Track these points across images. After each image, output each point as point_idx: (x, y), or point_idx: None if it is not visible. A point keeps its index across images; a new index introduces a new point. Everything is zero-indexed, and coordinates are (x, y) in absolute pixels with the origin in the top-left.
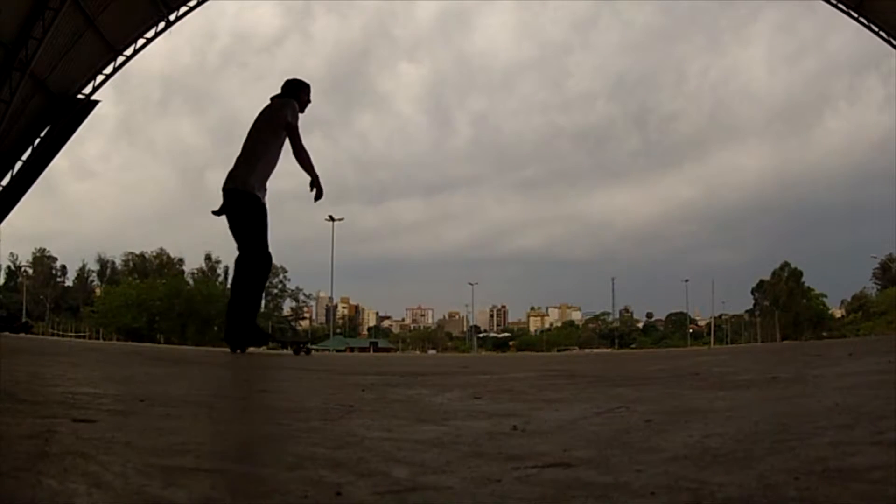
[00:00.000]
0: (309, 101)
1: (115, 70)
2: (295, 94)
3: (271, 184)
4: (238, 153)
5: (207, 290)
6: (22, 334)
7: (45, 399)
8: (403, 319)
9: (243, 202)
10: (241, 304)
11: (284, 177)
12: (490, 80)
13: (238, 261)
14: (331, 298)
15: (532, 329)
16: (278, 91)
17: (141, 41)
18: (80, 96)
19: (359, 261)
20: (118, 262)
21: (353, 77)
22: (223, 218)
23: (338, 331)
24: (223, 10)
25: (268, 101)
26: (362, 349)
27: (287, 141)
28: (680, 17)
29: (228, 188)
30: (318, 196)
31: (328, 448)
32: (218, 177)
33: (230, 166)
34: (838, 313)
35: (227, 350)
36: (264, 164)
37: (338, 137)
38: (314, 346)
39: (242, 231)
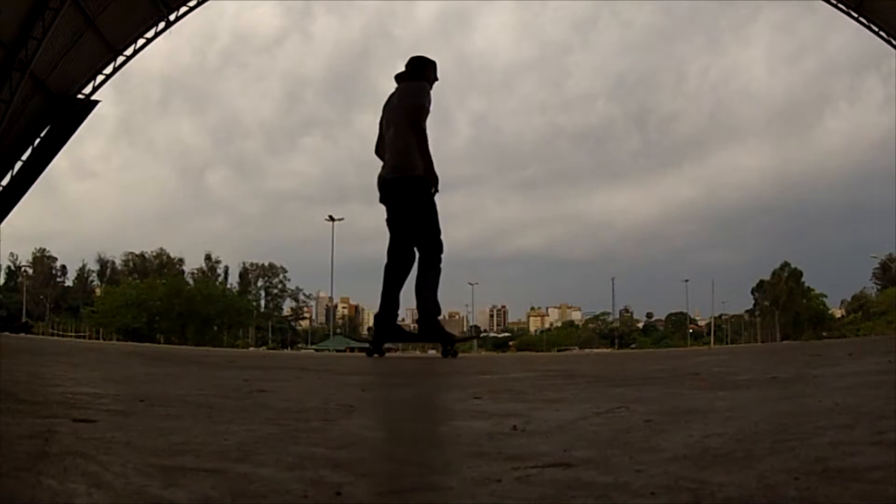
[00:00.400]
0: (436, 79)
1: (115, 70)
2: (423, 73)
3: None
4: (382, 142)
5: (207, 290)
6: (22, 334)
7: (45, 399)
8: (403, 319)
9: (415, 189)
10: (427, 301)
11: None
12: (490, 80)
13: (401, 254)
14: (331, 298)
15: (532, 329)
16: (401, 70)
17: (141, 41)
18: (80, 96)
19: (359, 261)
20: (118, 262)
21: (353, 77)
22: (221, 218)
23: (338, 331)
24: (223, 11)
25: (397, 84)
26: (362, 349)
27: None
28: (680, 17)
29: (396, 178)
30: (435, 189)
31: (328, 448)
32: (218, 177)
33: (386, 157)
34: (838, 313)
35: (364, 354)
36: (411, 150)
37: (338, 137)
38: (313, 346)
39: (418, 220)
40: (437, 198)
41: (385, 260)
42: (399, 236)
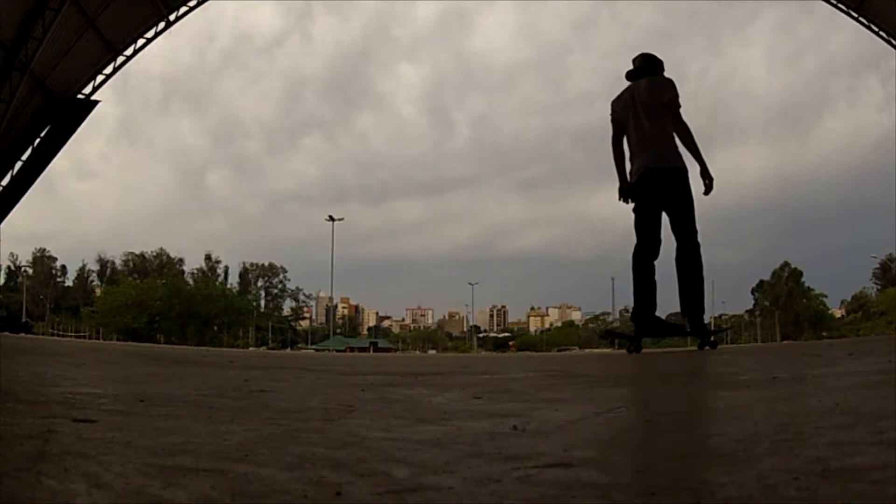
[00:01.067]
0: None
1: (115, 70)
2: (660, 69)
3: None
4: (636, 137)
5: (207, 290)
6: (22, 334)
7: (45, 399)
8: (403, 319)
9: (681, 180)
10: (701, 296)
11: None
12: (490, 81)
13: (655, 245)
14: (331, 298)
15: (532, 329)
16: (633, 68)
17: (141, 41)
18: (80, 96)
19: (359, 261)
20: (118, 262)
21: (352, 78)
22: (221, 218)
23: (338, 331)
24: (223, 11)
25: (630, 80)
26: (362, 349)
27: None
28: (679, 17)
29: (663, 167)
30: (709, 189)
31: (328, 448)
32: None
33: (643, 148)
34: (838, 313)
35: (624, 352)
36: (674, 143)
37: (338, 138)
38: (313, 346)
39: (682, 211)
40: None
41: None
42: (655, 227)
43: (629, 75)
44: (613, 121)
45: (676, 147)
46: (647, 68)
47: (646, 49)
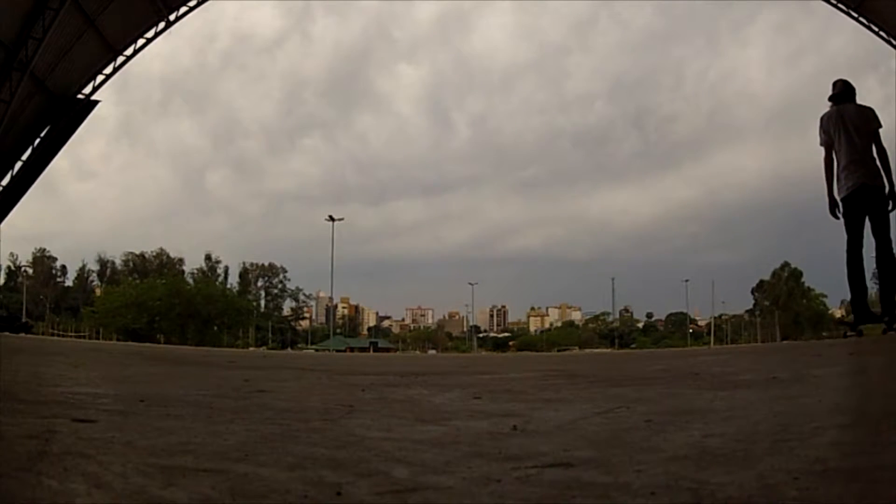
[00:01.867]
0: None
1: (115, 70)
2: (855, 94)
3: None
4: (848, 157)
5: (207, 290)
6: (22, 334)
7: (45, 399)
8: (403, 319)
9: (886, 197)
10: (891, 288)
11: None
12: (489, 82)
13: (861, 248)
14: (331, 298)
15: (532, 329)
16: (833, 91)
17: (141, 41)
18: (80, 96)
19: (359, 261)
20: (118, 262)
21: (352, 78)
22: (221, 218)
23: (338, 331)
24: (223, 11)
25: (832, 104)
26: (362, 349)
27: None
28: (678, 18)
29: (875, 186)
30: (895, 206)
31: (328, 448)
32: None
33: (849, 167)
34: (838, 313)
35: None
36: (876, 164)
37: (338, 138)
38: (314, 346)
39: (885, 221)
40: None
41: (846, 255)
42: (861, 234)
43: (834, 99)
44: (825, 143)
45: (876, 169)
46: (848, 93)
47: (644, 50)
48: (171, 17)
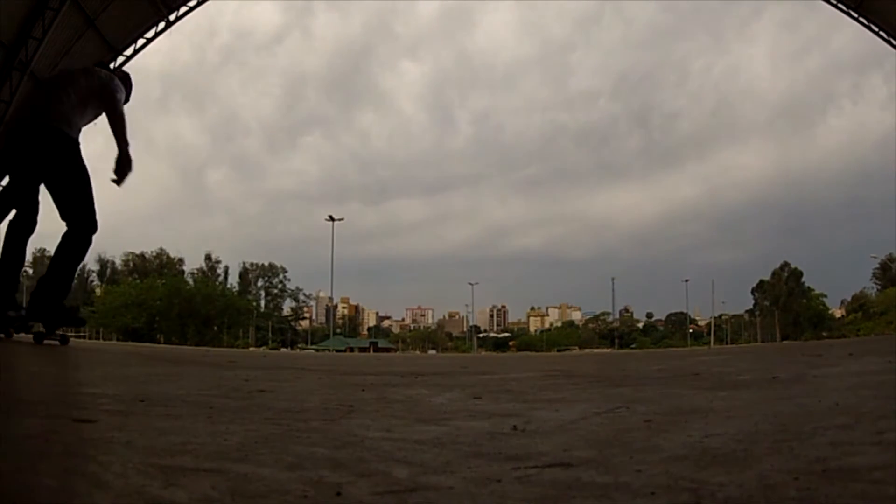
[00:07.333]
0: None
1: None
2: None
3: None
4: None
5: (207, 289)
6: (22, 334)
7: (45, 399)
8: (403, 319)
9: None
10: None
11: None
12: (492, 78)
13: None
14: (331, 298)
15: (532, 329)
16: None
17: (141, 41)
18: None
19: (359, 261)
20: (118, 262)
21: (354, 75)
22: (221, 218)
23: (338, 331)
24: (223, 8)
25: None
26: (362, 349)
27: None
28: (683, 15)
29: None
30: None
31: (328, 448)
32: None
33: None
34: (838, 313)
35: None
36: None
37: (338, 136)
38: (314, 346)
39: None
40: None
41: None
42: None
43: None
44: None
45: None
46: None
47: (648, 47)
48: (171, 17)
